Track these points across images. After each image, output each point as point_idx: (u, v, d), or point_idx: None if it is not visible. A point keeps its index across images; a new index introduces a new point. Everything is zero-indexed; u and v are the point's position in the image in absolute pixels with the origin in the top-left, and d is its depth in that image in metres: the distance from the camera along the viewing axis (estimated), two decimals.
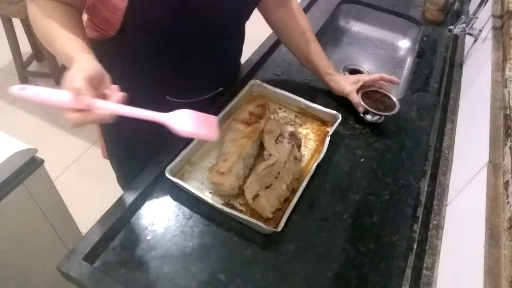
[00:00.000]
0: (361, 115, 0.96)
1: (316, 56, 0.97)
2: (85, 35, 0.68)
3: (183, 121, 0.60)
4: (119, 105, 0.56)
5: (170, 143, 0.84)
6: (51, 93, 0.53)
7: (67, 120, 0.53)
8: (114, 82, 0.69)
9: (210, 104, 0.93)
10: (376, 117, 0.95)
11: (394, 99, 0.95)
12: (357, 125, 0.96)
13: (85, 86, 0.52)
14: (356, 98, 0.94)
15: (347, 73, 1.36)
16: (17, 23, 2.12)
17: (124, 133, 0.98)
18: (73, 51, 0.61)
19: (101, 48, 0.78)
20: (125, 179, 1.16)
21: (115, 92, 0.57)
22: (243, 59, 1.11)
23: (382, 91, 0.97)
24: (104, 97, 0.56)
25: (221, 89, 0.97)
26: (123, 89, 0.83)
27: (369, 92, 0.97)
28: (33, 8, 0.68)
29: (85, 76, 0.53)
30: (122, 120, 0.89)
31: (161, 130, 0.88)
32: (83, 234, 0.69)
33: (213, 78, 0.95)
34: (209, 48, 0.84)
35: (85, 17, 0.78)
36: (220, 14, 0.78)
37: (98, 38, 0.80)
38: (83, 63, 0.56)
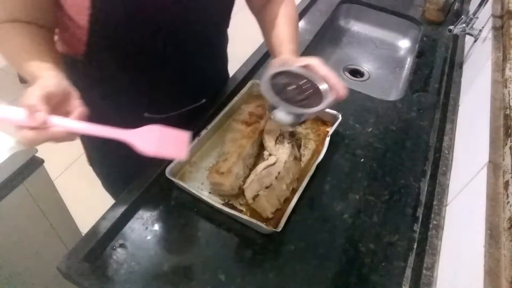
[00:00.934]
0: (269, 111, 0.64)
1: (277, 38, 0.77)
2: (54, 54, 0.65)
3: (147, 139, 0.55)
4: (77, 122, 0.52)
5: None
6: (5, 110, 0.49)
7: (22, 140, 0.49)
8: (91, 100, 0.67)
9: (191, 117, 0.88)
10: (286, 116, 0.58)
11: (326, 91, 0.61)
12: (357, 125, 0.96)
13: (40, 102, 0.49)
14: (267, 71, 0.65)
15: (347, 74, 1.37)
16: None
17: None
18: (37, 70, 0.57)
19: (75, 67, 0.75)
20: (114, 184, 1.09)
21: (76, 108, 0.53)
22: (243, 59, 1.11)
23: (315, 80, 0.62)
24: (68, 114, 0.53)
25: (203, 100, 0.91)
26: (100, 107, 0.79)
27: (298, 78, 0.62)
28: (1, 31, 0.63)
29: (42, 92, 0.50)
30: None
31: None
32: (83, 234, 0.69)
33: (194, 89, 0.89)
34: (186, 58, 0.80)
35: (56, 31, 0.74)
36: (193, 24, 0.73)
37: (69, 54, 0.76)
38: (44, 80, 0.53)
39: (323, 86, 0.61)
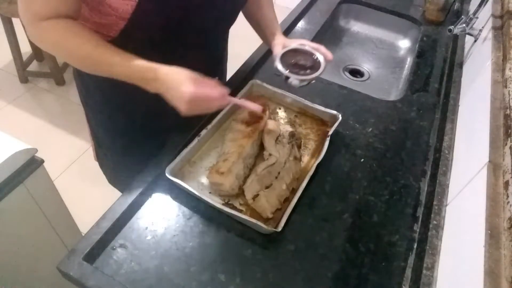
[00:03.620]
0: (285, 80, 0.84)
1: (265, 19, 0.95)
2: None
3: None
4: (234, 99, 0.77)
5: (166, 137, 0.86)
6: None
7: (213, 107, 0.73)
8: (115, 84, 0.70)
9: None
10: (298, 81, 0.82)
11: (320, 58, 0.83)
12: (357, 125, 0.96)
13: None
14: (275, 51, 0.87)
15: (347, 73, 1.37)
16: (17, 23, 2.12)
17: (118, 129, 0.99)
18: (146, 63, 0.68)
19: None
20: (121, 176, 1.14)
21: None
22: (243, 59, 1.11)
23: (311, 51, 0.84)
24: None
25: (216, 78, 0.99)
26: (124, 90, 0.82)
27: (299, 52, 0.85)
28: (49, 31, 0.66)
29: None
30: (116, 116, 0.93)
31: (157, 126, 0.89)
32: (83, 234, 0.69)
33: (209, 72, 0.96)
34: (205, 42, 0.86)
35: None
36: (215, 14, 0.80)
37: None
38: (182, 71, 0.69)
39: (317, 54, 0.84)
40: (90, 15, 0.74)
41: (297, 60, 0.84)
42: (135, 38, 0.75)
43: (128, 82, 0.70)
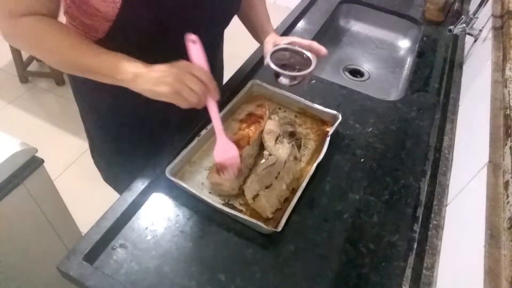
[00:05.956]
0: (276, 79, 0.83)
1: (257, 17, 0.94)
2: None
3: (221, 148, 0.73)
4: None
5: (156, 137, 0.88)
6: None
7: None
8: (104, 88, 0.69)
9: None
10: (287, 79, 0.81)
11: (311, 57, 0.80)
12: (357, 125, 0.96)
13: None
14: (266, 48, 0.85)
15: (347, 73, 1.37)
16: None
17: (110, 128, 0.99)
18: (122, 56, 0.66)
19: None
20: (114, 174, 1.14)
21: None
22: (243, 59, 1.11)
23: (301, 50, 0.82)
24: None
25: None
26: (112, 94, 0.80)
27: (289, 51, 0.83)
28: (24, 27, 0.65)
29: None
30: (106, 115, 0.93)
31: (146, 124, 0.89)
32: (83, 234, 0.69)
33: None
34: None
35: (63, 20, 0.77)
36: (207, 13, 0.79)
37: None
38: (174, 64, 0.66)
39: (308, 53, 0.82)
40: (77, 15, 0.74)
41: (288, 59, 0.81)
42: (121, 41, 0.74)
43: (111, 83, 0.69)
